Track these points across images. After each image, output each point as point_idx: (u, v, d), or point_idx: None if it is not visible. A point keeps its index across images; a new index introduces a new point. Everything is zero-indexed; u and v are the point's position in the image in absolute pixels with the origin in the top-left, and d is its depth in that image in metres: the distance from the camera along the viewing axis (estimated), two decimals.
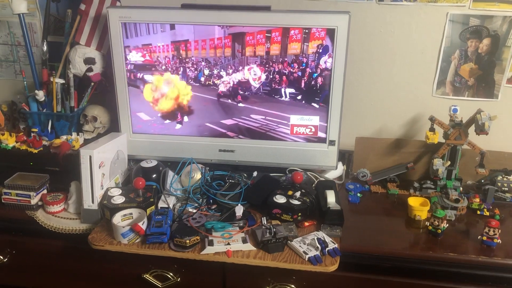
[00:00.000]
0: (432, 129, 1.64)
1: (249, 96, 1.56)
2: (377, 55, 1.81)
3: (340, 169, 1.75)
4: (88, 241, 1.37)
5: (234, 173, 1.66)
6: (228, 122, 1.57)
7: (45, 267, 1.57)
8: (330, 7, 1.76)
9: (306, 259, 1.28)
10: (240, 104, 1.56)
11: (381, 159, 1.77)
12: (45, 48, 1.82)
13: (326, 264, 1.27)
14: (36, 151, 1.63)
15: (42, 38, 1.85)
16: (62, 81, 1.78)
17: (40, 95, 1.76)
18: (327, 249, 1.31)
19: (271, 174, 1.66)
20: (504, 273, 1.33)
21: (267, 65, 1.47)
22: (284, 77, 1.45)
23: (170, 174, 1.60)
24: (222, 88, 1.49)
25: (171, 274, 1.46)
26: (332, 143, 1.66)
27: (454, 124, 1.61)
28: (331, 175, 1.74)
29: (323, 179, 1.69)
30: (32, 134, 1.69)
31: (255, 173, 1.68)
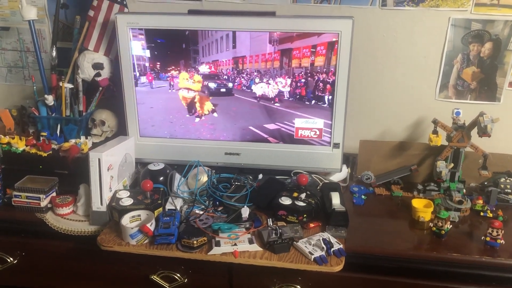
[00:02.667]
0: (435, 132, 1.66)
1: (292, 102, 1.66)
2: (381, 59, 1.83)
3: (345, 171, 1.77)
4: (97, 243, 1.39)
5: (240, 175, 1.68)
6: (271, 126, 1.68)
7: (54, 268, 1.59)
8: (333, 12, 1.79)
9: (312, 259, 1.30)
10: (277, 105, 1.66)
11: (385, 161, 1.79)
12: (54, 53, 1.85)
13: (331, 264, 1.29)
14: (45, 154, 1.65)
15: (51, 44, 1.88)
16: (70, 86, 1.81)
17: (49, 99, 1.79)
18: (332, 249, 1.33)
19: (276, 177, 1.68)
20: (508, 273, 1.35)
21: (310, 75, 1.60)
22: (328, 86, 1.59)
23: (177, 176, 1.63)
24: (258, 92, 1.64)
25: (178, 275, 1.48)
26: (336, 146, 1.68)
27: (457, 126, 1.63)
28: (336, 177, 1.76)
29: (328, 182, 1.71)
30: (41, 138, 1.72)
31: (260, 176, 1.70)
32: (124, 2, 1.82)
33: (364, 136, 1.85)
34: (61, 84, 1.80)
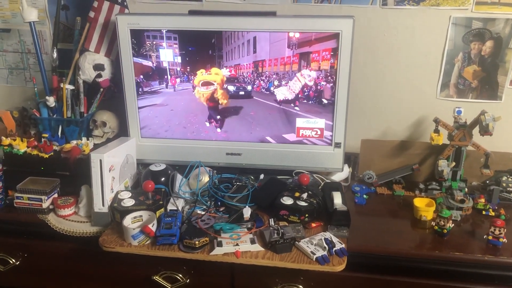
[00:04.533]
0: (436, 131, 1.66)
1: (311, 105, 1.67)
2: (382, 58, 1.83)
3: (346, 171, 1.77)
4: (99, 243, 1.39)
5: (241, 175, 1.68)
6: (291, 137, 1.71)
7: (57, 269, 1.59)
8: (334, 11, 1.79)
9: (314, 259, 1.30)
10: (296, 109, 1.68)
11: (387, 161, 1.79)
12: (55, 55, 1.86)
13: (333, 264, 1.29)
14: (47, 156, 1.65)
15: (52, 46, 1.89)
16: (72, 87, 1.81)
17: (51, 101, 1.79)
18: (334, 249, 1.33)
19: (278, 177, 1.68)
20: (510, 272, 1.34)
21: (329, 78, 1.62)
22: None
23: (179, 177, 1.63)
24: (279, 96, 1.67)
25: (181, 275, 1.48)
26: (338, 145, 1.68)
27: (459, 125, 1.63)
28: (337, 177, 1.76)
29: (329, 181, 1.70)
30: (43, 139, 1.72)
31: (262, 176, 1.70)
32: (125, 3, 1.82)
33: (365, 136, 1.85)
34: (62, 85, 1.80)
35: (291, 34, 1.59)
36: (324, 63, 1.60)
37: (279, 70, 1.65)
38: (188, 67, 1.69)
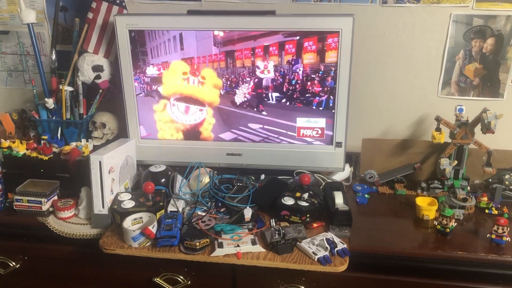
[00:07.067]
0: (438, 129, 1.65)
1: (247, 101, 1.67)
2: (382, 56, 1.82)
3: (347, 170, 1.76)
4: (99, 246, 1.39)
5: (242, 176, 1.67)
6: (227, 136, 1.72)
7: (57, 272, 1.59)
8: (334, 10, 1.78)
9: (316, 260, 1.29)
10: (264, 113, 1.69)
11: (388, 160, 1.78)
12: (53, 56, 1.84)
13: (335, 264, 1.28)
14: (46, 158, 1.65)
15: (50, 47, 1.88)
16: (71, 88, 1.80)
17: (50, 102, 1.78)
18: (336, 249, 1.32)
19: (279, 177, 1.67)
20: None
21: (252, 74, 1.65)
22: (270, 84, 1.67)
23: (179, 178, 1.62)
24: (240, 99, 1.66)
25: (182, 277, 1.47)
26: (339, 145, 1.67)
27: (460, 123, 1.62)
28: (339, 176, 1.75)
29: (331, 181, 1.70)
30: (42, 141, 1.71)
31: (262, 176, 1.69)
32: (123, 4, 1.81)
33: (366, 135, 1.84)
34: (61, 87, 1.79)
35: (216, 33, 1.60)
36: (247, 60, 1.62)
37: (208, 67, 1.64)
38: None
